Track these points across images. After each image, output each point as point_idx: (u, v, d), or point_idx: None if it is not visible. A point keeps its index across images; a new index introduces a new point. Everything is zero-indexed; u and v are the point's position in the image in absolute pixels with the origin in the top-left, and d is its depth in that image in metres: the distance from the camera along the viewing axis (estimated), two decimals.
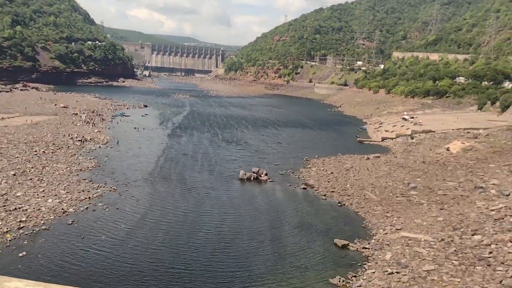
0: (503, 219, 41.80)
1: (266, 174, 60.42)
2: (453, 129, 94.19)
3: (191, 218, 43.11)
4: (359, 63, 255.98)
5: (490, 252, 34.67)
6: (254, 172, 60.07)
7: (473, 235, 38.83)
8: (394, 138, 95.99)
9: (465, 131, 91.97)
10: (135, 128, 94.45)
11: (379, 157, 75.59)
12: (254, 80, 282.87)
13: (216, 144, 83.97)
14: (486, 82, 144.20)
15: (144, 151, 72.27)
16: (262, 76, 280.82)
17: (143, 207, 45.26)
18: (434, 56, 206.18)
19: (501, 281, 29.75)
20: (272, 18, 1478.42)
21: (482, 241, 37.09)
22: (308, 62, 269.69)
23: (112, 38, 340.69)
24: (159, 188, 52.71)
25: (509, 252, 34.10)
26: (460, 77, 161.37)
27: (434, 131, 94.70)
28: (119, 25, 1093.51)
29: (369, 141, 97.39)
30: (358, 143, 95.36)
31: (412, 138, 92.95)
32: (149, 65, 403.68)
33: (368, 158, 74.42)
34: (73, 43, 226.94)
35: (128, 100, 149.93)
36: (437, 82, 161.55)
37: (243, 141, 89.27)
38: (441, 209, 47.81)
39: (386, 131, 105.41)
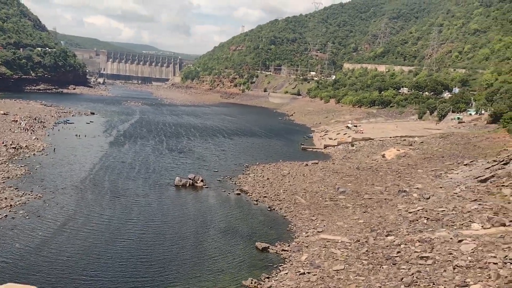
0: (417, 220, 44.07)
1: (202, 181, 60.74)
2: (390, 137, 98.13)
3: (115, 226, 42.73)
4: (312, 73, 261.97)
5: (398, 252, 36.46)
6: (190, 179, 60.25)
7: (387, 236, 40.72)
8: (336, 145, 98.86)
9: (402, 138, 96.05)
10: (76, 135, 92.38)
11: (317, 163, 77.64)
12: (210, 88, 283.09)
13: (158, 152, 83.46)
14: (427, 92, 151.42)
15: (80, 158, 70.83)
16: (218, 85, 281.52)
17: (66, 215, 44.43)
18: (382, 68, 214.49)
19: (402, 279, 31.40)
20: (232, 28, 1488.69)
21: (394, 241, 38.94)
22: (263, 72, 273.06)
23: (67, 45, 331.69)
24: (88, 195, 51.86)
25: (415, 251, 35.99)
26: (404, 88, 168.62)
27: (373, 139, 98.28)
28: (75, 32, 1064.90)
29: (312, 148, 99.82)
30: (302, 151, 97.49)
31: (352, 146, 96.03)
32: (104, 72, 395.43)
33: (307, 165, 76.27)
34: (21, 49, 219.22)
35: (75, 108, 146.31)
36: (382, 92, 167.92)
37: (187, 149, 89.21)
38: (364, 212, 49.80)
39: (329, 139, 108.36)
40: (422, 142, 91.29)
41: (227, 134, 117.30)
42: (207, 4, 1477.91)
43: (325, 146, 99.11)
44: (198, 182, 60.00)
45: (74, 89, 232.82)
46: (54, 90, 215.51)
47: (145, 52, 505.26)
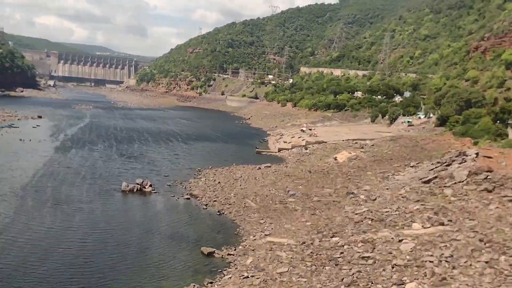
0: (362, 222, 44.82)
1: (150, 186, 59.32)
2: (343, 140, 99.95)
3: (54, 234, 40.81)
4: (270, 77, 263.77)
5: (341, 253, 36.86)
6: (137, 184, 58.69)
7: (332, 237, 41.11)
8: (290, 148, 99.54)
9: (354, 141, 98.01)
10: (20, 139, 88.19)
11: (270, 166, 77.80)
12: (166, 91, 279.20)
13: (107, 157, 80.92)
14: (380, 96, 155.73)
15: (22, 164, 67.47)
16: (174, 87, 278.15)
17: (2, 223, 41.99)
18: (337, 72, 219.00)
19: (343, 279, 31.70)
20: (189, 30, 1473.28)
21: (338, 242, 39.35)
22: (221, 75, 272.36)
23: (15, 45, 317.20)
24: (28, 202, 49.37)
25: (357, 252, 36.49)
26: (358, 92, 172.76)
27: (326, 142, 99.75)
28: (25, 32, 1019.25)
29: (267, 152, 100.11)
30: (257, 154, 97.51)
31: (306, 149, 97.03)
32: (55, 74, 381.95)
33: (260, 168, 76.28)
34: None
35: (22, 111, 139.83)
36: (337, 96, 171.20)
37: (138, 153, 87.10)
38: (312, 214, 50.20)
39: (284, 142, 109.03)
40: (373, 145, 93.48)
41: (182, 138, 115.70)
42: (164, 5, 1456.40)
43: (279, 150, 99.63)
44: (146, 187, 58.55)
45: (22, 91, 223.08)
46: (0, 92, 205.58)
47: (99, 53, 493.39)
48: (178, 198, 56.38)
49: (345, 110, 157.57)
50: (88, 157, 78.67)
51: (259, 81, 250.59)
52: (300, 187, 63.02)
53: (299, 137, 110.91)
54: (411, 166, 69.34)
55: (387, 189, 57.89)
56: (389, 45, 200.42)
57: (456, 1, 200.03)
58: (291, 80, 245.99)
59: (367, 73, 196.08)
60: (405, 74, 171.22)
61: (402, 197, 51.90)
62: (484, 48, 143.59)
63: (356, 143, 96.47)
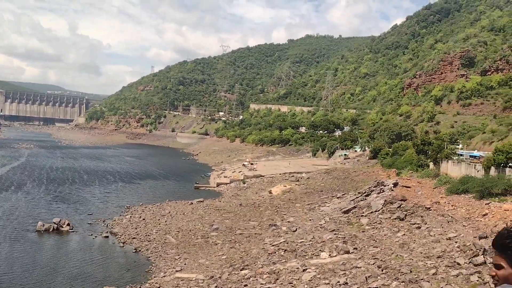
0: (275, 253, 44.97)
1: (68, 224, 57.01)
2: (280, 174, 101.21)
3: None
4: (221, 113, 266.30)
5: (245, 285, 36.52)
6: (54, 223, 56.25)
7: (242, 270, 40.76)
8: (228, 183, 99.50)
9: (291, 175, 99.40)
10: None
11: (202, 201, 77.09)
12: (116, 129, 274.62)
13: (31, 197, 77.35)
14: (321, 131, 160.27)
15: None
16: (124, 125, 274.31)
17: None
18: (284, 108, 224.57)
19: None
20: (144, 69, 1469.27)
21: (246, 275, 39.08)
22: (172, 112, 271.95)
23: None
24: None
25: (260, 284, 36.33)
26: (302, 127, 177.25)
27: (264, 176, 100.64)
28: None
29: (205, 187, 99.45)
30: (195, 189, 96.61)
31: (244, 183, 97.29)
32: (1, 113, 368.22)
33: (192, 203, 75.41)
34: None
35: None
36: (283, 131, 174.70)
37: (67, 193, 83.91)
38: (231, 247, 49.77)
39: (225, 177, 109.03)
40: (308, 177, 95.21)
41: (120, 176, 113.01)
42: (118, 44, 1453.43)
43: (218, 184, 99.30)
44: (63, 226, 56.22)
45: None
46: None
47: (49, 92, 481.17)
48: (96, 236, 54.43)
49: (289, 144, 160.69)
50: (10, 198, 74.89)
51: (209, 117, 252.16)
52: (227, 221, 62.67)
53: (239, 172, 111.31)
54: (337, 197, 70.96)
55: (310, 220, 58.70)
56: (331, 82, 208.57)
57: (393, 42, 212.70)
58: (241, 117, 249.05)
59: (311, 109, 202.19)
60: (346, 110, 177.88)
61: (321, 227, 52.78)
62: (416, 85, 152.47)
63: (293, 176, 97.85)
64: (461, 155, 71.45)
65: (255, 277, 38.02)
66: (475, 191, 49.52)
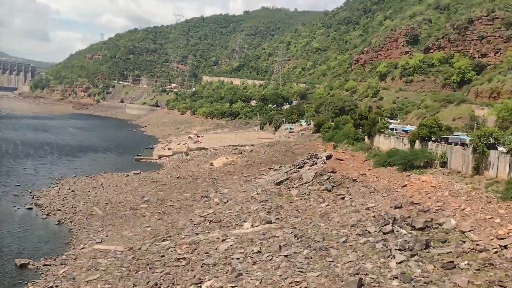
0: (200, 224, 44.92)
1: None
2: (224, 146, 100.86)
3: None
4: (173, 85, 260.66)
5: (162, 256, 36.24)
6: None
7: (163, 241, 40.37)
8: (171, 155, 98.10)
9: (234, 147, 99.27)
10: None
11: (139, 173, 75.65)
12: (61, 98, 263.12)
13: None
14: (271, 105, 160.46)
15: None
16: (70, 94, 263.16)
17: None
18: (237, 81, 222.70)
19: (148, 282, 30.94)
20: (95, 36, 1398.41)
21: (166, 246, 38.78)
22: (121, 82, 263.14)
23: None
24: None
25: (178, 254, 36.14)
26: (253, 100, 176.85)
27: (207, 148, 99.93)
28: None
29: (147, 159, 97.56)
30: (136, 161, 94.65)
31: (187, 155, 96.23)
32: None
33: (128, 175, 73.87)
34: None
35: None
36: (233, 104, 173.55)
37: None
38: (159, 219, 49.19)
39: (169, 149, 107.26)
40: (251, 150, 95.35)
41: (59, 148, 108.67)
42: (68, 9, 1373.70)
43: (160, 157, 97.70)
44: None
45: None
46: None
47: None
48: (19, 208, 52.26)
49: (239, 118, 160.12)
50: None
51: (160, 89, 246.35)
52: (161, 193, 61.86)
53: (184, 144, 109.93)
54: (274, 170, 71.59)
55: (244, 191, 58.93)
56: (283, 56, 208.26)
57: (345, 17, 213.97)
58: (193, 89, 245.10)
59: (263, 83, 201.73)
60: (296, 84, 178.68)
61: (252, 198, 53.07)
62: (363, 61, 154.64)
63: (236, 149, 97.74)
64: (395, 129, 73.49)
65: (174, 248, 37.82)
66: (399, 163, 51.21)
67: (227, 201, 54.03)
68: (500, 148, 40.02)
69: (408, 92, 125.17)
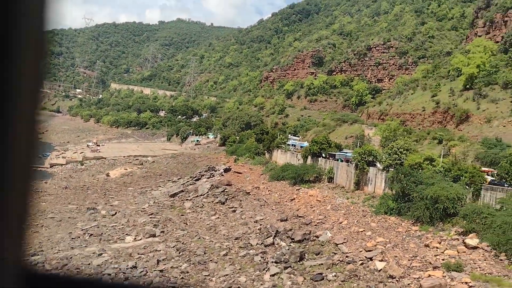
0: (79, 237, 41.82)
1: None
2: (125, 156, 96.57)
3: None
4: (78, 90, 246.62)
5: None
6: None
7: (33, 256, 36.80)
8: (64, 164, 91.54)
9: (135, 158, 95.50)
10: None
11: None
12: None
13: None
14: (180, 116, 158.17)
15: None
16: None
17: None
18: (147, 91, 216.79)
19: None
20: None
21: (35, 261, 35.32)
22: None
23: None
24: None
25: (46, 270, 33.08)
26: (162, 111, 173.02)
27: (106, 158, 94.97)
28: None
29: (36, 167, 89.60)
30: None
31: (82, 165, 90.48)
32: None
33: None
34: None
35: None
36: (141, 114, 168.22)
37: None
38: (35, 232, 44.82)
39: (63, 158, 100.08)
40: (153, 161, 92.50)
41: None
42: None
43: (52, 165, 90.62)
44: None
45: None
46: None
47: None
48: None
49: (146, 128, 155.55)
50: None
51: (63, 94, 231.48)
52: (43, 203, 56.83)
53: (81, 153, 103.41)
54: (172, 181, 69.77)
55: (136, 204, 56.40)
56: (195, 69, 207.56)
57: (258, 35, 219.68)
58: (100, 96, 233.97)
59: (174, 94, 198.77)
60: (208, 97, 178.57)
61: (142, 211, 50.89)
62: (272, 78, 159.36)
63: (137, 159, 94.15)
64: (294, 145, 75.74)
65: (43, 263, 34.55)
66: (291, 177, 52.47)
67: (115, 213, 51.16)
68: (378, 165, 42.70)
69: (312, 110, 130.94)
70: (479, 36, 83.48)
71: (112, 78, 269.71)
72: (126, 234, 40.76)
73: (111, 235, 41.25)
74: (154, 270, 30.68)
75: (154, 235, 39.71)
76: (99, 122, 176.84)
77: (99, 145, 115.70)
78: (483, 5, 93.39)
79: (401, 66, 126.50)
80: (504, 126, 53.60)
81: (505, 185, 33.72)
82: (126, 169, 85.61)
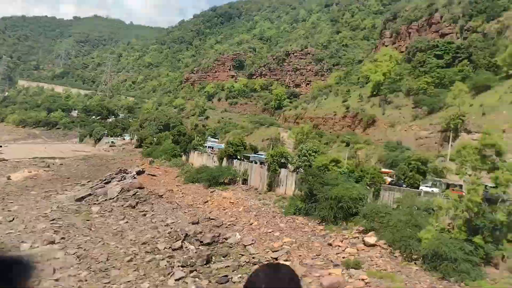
0: None
1: None
2: (30, 158, 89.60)
3: None
4: None
5: None
6: None
7: None
8: None
9: (41, 160, 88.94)
10: None
11: None
12: None
13: None
14: (94, 116, 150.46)
15: None
16: None
17: None
18: (59, 89, 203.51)
19: None
20: None
21: None
22: None
23: None
24: None
25: None
26: (75, 111, 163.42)
27: (7, 160, 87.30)
28: None
29: None
30: None
31: None
32: None
33: None
34: None
35: None
36: (51, 113, 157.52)
37: None
38: None
39: None
40: (61, 164, 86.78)
41: None
42: None
43: None
44: None
45: None
46: None
47: None
48: None
49: (57, 128, 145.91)
50: None
51: None
52: None
53: None
54: (81, 185, 65.84)
55: (37, 209, 52.25)
56: (111, 67, 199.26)
57: (179, 36, 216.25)
58: (6, 93, 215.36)
59: (89, 93, 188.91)
60: (125, 97, 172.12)
61: (43, 216, 47.23)
62: (193, 80, 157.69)
63: (43, 161, 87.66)
64: (212, 147, 75.20)
65: None
66: (205, 180, 51.85)
67: (13, 219, 46.91)
68: (289, 167, 43.59)
69: (232, 113, 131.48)
70: (386, 46, 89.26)
71: (20, 75, 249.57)
72: (22, 242, 37.42)
73: (4, 243, 37.62)
74: (49, 279, 28.38)
75: (53, 242, 36.89)
76: (4, 122, 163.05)
77: (1, 146, 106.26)
78: (390, 17, 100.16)
79: (317, 72, 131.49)
80: (405, 130, 57.53)
81: (403, 186, 36.05)
82: (30, 172, 79.20)
